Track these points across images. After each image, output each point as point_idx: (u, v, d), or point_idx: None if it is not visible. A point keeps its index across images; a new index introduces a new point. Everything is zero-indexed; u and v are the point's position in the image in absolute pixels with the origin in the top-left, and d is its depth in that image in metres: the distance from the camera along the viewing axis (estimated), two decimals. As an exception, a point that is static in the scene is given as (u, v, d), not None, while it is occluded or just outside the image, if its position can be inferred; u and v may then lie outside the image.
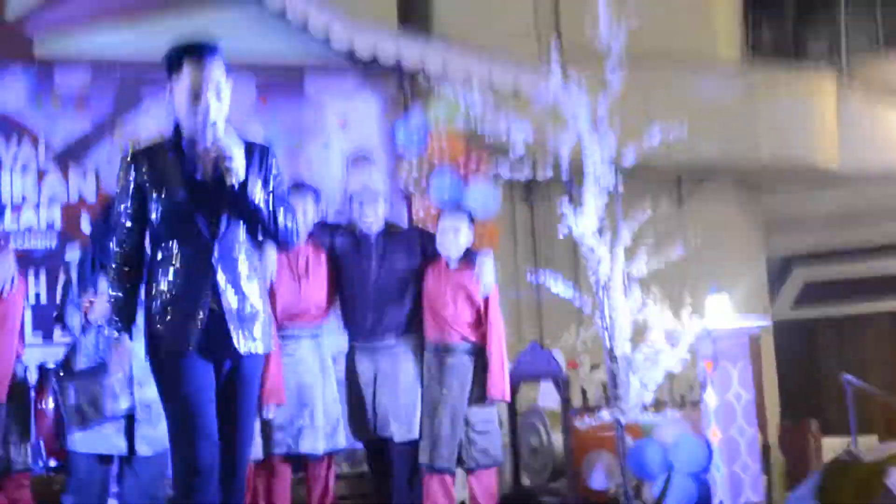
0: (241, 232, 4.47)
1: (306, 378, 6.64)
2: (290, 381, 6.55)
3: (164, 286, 4.43)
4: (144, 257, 4.52)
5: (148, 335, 4.49)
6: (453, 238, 6.80)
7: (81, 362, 6.38)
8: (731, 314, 7.87)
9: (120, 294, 4.52)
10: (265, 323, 4.56)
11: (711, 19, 14.79)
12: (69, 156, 9.57)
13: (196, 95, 4.33)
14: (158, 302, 4.45)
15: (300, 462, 6.80)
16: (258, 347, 4.52)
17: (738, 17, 15.79)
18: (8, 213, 9.38)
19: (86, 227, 9.41)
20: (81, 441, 6.28)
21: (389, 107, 10.49)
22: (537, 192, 13.42)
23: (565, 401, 8.12)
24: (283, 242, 4.58)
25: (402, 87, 10.46)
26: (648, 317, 7.65)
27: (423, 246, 6.90)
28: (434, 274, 6.84)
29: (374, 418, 6.80)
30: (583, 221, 7.38)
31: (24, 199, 9.42)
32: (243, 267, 4.47)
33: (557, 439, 8.26)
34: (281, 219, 4.45)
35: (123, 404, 6.22)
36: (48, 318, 9.05)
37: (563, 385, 8.11)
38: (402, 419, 6.73)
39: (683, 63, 13.42)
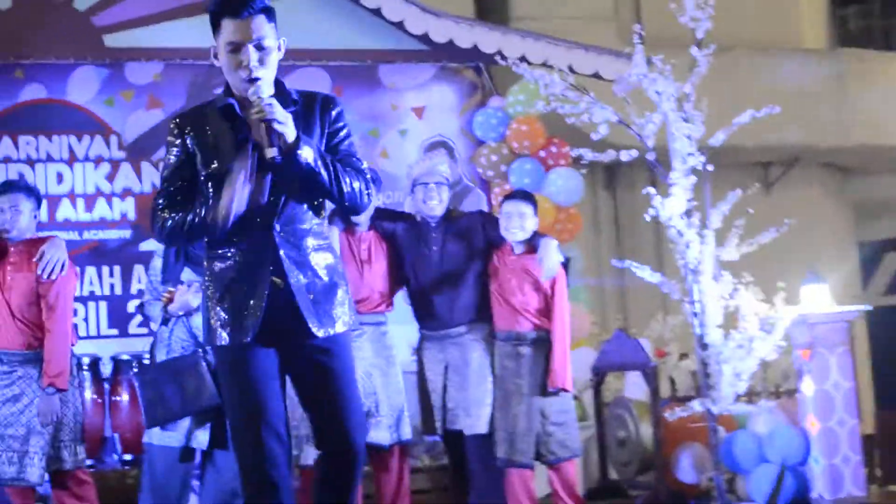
0: (304, 201, 4.09)
1: (368, 367, 6.43)
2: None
3: (220, 266, 4.08)
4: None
5: (206, 323, 4.14)
6: (517, 223, 6.56)
7: (161, 354, 6.20)
8: (827, 300, 7.49)
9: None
10: (344, 298, 4.14)
11: (798, 7, 14.45)
12: (141, 148, 9.42)
13: (236, 48, 4.00)
14: (215, 285, 4.09)
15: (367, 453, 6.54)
16: (338, 326, 4.09)
17: (825, 5, 15.45)
18: (81, 205, 9.21)
19: (159, 218, 9.25)
20: (160, 435, 6.09)
21: (467, 94, 10.23)
22: (620, 179, 13.24)
23: (654, 391, 7.81)
24: (351, 208, 4.11)
25: (480, 74, 10.19)
26: (740, 303, 7.33)
27: (486, 231, 6.68)
28: (500, 260, 6.65)
29: (444, 411, 6.59)
30: (670, 204, 7.06)
31: (97, 190, 9.27)
32: (311, 239, 4.09)
33: (646, 431, 7.95)
34: (346, 181, 4.01)
35: (205, 397, 6.04)
36: (123, 311, 8.98)
37: (651, 375, 7.81)
38: (471, 412, 6.52)
39: (770, 50, 13.10)
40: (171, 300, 6.16)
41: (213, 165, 4.01)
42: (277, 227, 4.01)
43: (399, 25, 9.76)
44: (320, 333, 4.04)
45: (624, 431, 8.17)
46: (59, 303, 6.13)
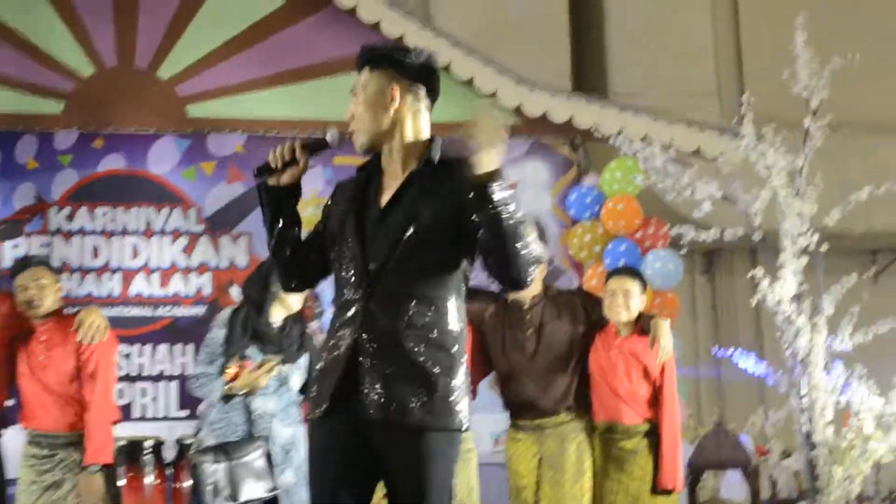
0: (414, 274, 3.53)
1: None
2: None
3: (329, 345, 3.64)
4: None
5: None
6: (622, 301, 5.96)
7: (210, 438, 5.76)
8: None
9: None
10: (444, 394, 3.51)
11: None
12: (221, 221, 9.08)
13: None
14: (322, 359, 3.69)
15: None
16: (423, 421, 3.48)
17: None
18: (156, 279, 8.90)
19: (236, 294, 8.90)
20: None
21: (560, 171, 9.78)
22: (719, 265, 12.68)
23: (755, 492, 7.19)
24: (517, 280, 3.50)
25: (575, 150, 9.74)
26: (853, 398, 6.73)
27: (586, 311, 6.06)
28: (603, 343, 6.02)
29: None
30: (779, 288, 6.50)
31: (173, 264, 8.93)
32: (411, 317, 3.51)
33: (746, 536, 7.33)
34: (523, 242, 3.42)
35: (264, 488, 5.58)
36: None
37: (752, 474, 7.19)
38: None
39: (881, 129, 12.48)
40: (236, 377, 5.71)
41: (331, 227, 3.73)
42: (370, 298, 3.53)
43: (492, 97, 9.36)
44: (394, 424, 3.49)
45: (721, 534, 7.56)
46: (100, 372, 5.73)
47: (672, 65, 12.38)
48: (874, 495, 7.56)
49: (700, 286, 12.61)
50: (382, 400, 3.44)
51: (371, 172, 3.68)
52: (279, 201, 3.71)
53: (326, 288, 5.31)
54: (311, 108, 9.25)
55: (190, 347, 8.75)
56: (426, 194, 3.53)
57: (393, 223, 3.53)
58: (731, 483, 8.05)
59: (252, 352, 5.79)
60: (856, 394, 6.71)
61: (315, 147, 3.70)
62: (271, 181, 3.70)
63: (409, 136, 3.64)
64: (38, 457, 5.73)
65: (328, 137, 3.67)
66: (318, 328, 8.32)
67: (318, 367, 3.71)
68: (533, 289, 5.95)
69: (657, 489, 5.92)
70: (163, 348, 8.81)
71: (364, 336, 3.49)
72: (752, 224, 6.87)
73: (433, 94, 3.73)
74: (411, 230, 3.50)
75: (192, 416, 8.55)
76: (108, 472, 5.76)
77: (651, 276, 9.08)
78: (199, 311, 8.92)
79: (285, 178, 3.69)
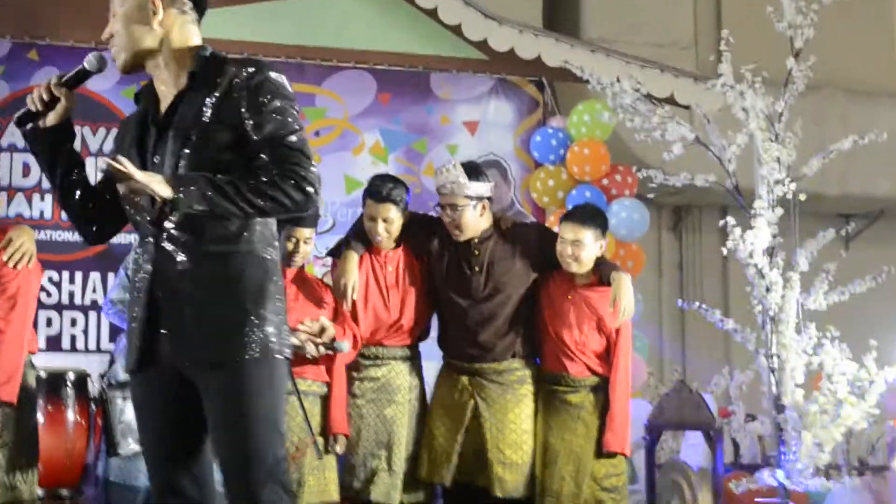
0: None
1: (388, 409, 5.37)
2: (369, 412, 5.30)
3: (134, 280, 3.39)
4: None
5: None
6: (571, 252, 5.41)
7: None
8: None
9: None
10: (240, 324, 3.23)
11: (891, 53, 13.39)
12: (163, 145, 8.54)
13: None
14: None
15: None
16: (214, 355, 3.22)
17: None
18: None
19: (175, 222, 8.38)
20: (118, 469, 5.12)
21: (526, 111, 9.27)
22: (687, 221, 12.28)
23: (717, 456, 6.73)
24: (286, 220, 3.52)
25: (542, 90, 9.23)
26: (825, 360, 6.29)
27: (542, 250, 5.50)
28: (556, 288, 5.51)
29: (465, 461, 5.45)
30: (752, 237, 6.03)
31: (106, 188, 8.38)
32: (199, 244, 3.23)
33: (705, 501, 6.86)
34: (258, 202, 3.16)
35: None
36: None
37: (715, 437, 6.73)
38: (508, 466, 5.39)
39: (862, 92, 12.03)
40: None
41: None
42: (163, 238, 3.26)
43: (456, 30, 8.84)
44: (190, 364, 3.26)
45: (678, 500, 7.08)
46: (19, 300, 5.18)
47: (648, 13, 11.88)
48: (843, 464, 7.10)
49: (667, 242, 12.19)
50: (187, 342, 3.22)
51: (146, 102, 3.42)
52: (52, 146, 3.44)
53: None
54: (261, 30, 8.71)
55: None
56: (197, 108, 3.24)
57: (172, 144, 3.25)
58: (691, 445, 7.62)
59: None
60: (828, 356, 6.26)
61: (74, 80, 3.41)
62: (39, 126, 3.41)
63: (178, 45, 3.36)
64: None
65: (86, 65, 3.33)
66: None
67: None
68: (462, 236, 5.43)
69: (602, 451, 5.45)
70: (95, 276, 8.26)
71: (159, 276, 3.24)
72: (727, 170, 6.38)
73: (199, 7, 3.48)
74: (188, 146, 3.22)
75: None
76: (23, 406, 5.22)
77: (616, 226, 8.60)
78: (135, 237, 8.36)
79: (51, 119, 3.41)
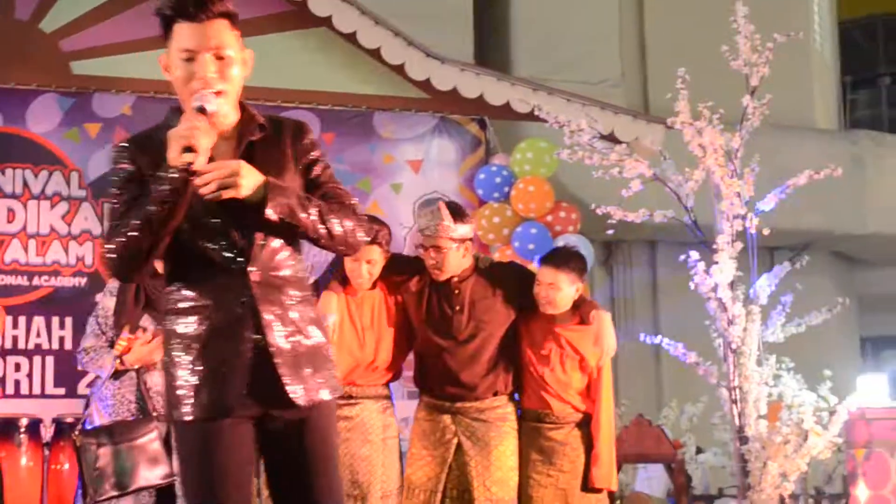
0: (283, 243, 3.26)
1: (362, 449, 5.32)
2: (343, 452, 5.27)
3: (185, 321, 3.22)
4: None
5: (168, 389, 3.24)
6: (546, 294, 5.40)
7: (101, 417, 5.19)
8: (885, 394, 6.55)
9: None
10: (328, 361, 3.32)
11: (811, 88, 13.72)
12: (105, 187, 8.42)
13: (190, 57, 3.18)
14: (183, 346, 3.21)
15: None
16: (324, 393, 3.27)
17: (835, 90, 14.78)
18: (32, 246, 8.20)
19: (121, 267, 8.27)
20: None
21: (469, 149, 9.33)
22: (617, 255, 12.41)
23: (680, 487, 6.81)
24: (344, 251, 3.31)
25: (484, 128, 9.31)
26: (784, 391, 6.40)
27: (521, 288, 5.49)
28: (537, 327, 5.52)
29: (450, 499, 5.43)
30: (718, 273, 6.13)
31: (52, 231, 8.25)
32: (293, 288, 3.26)
33: (666, 534, 6.94)
34: (334, 222, 3.20)
35: (159, 474, 5.04)
36: (72, 367, 7.89)
37: (677, 469, 6.81)
38: (495, 503, 5.38)
39: (787, 129, 12.29)
40: (128, 350, 5.14)
41: None
42: (253, 275, 3.18)
43: (398, 69, 8.88)
44: (302, 402, 3.21)
45: (640, 533, 7.15)
46: None
47: (575, 51, 12.04)
48: (800, 493, 7.21)
49: (598, 276, 12.30)
50: (294, 382, 3.19)
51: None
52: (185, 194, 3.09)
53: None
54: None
55: (69, 320, 8.08)
56: (267, 157, 3.23)
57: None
58: (646, 478, 7.68)
59: (147, 322, 5.25)
60: (787, 387, 6.38)
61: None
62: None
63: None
64: None
65: (207, 106, 3.08)
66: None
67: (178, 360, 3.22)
68: (463, 263, 5.45)
69: (588, 487, 5.48)
70: (39, 320, 8.13)
71: (253, 317, 3.18)
72: (685, 206, 6.47)
73: None
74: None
75: (70, 394, 7.94)
76: None
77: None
78: (80, 281, 8.27)
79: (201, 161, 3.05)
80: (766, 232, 6.23)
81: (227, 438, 3.19)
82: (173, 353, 3.22)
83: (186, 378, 3.18)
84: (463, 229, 5.38)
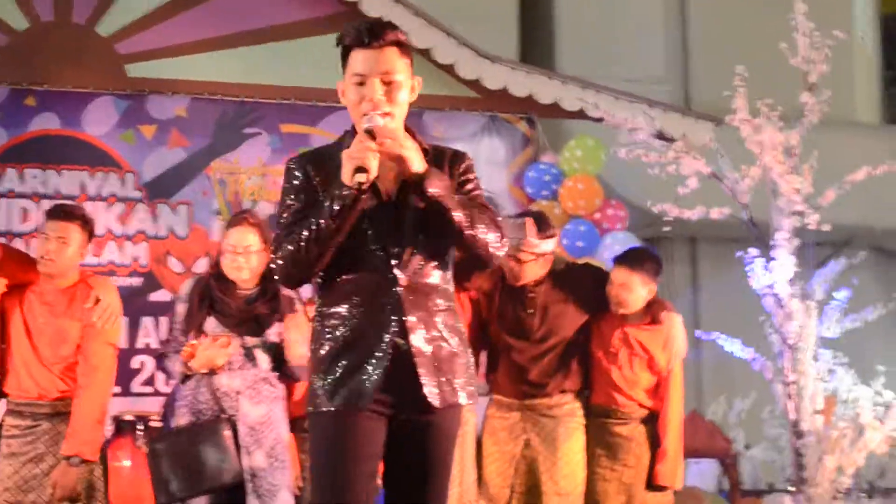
0: (433, 253, 3.47)
1: None
2: None
3: (335, 323, 3.43)
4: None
5: (311, 381, 3.47)
6: (617, 294, 5.50)
7: (177, 419, 5.25)
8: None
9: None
10: (468, 368, 3.52)
11: (853, 82, 13.69)
12: (160, 188, 8.54)
13: (361, 81, 3.41)
14: (329, 342, 3.43)
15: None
16: (462, 397, 3.46)
17: (877, 84, 14.74)
18: (90, 247, 8.27)
19: (174, 265, 8.37)
20: None
21: (518, 148, 9.38)
22: (659, 252, 12.43)
23: (734, 483, 6.86)
24: (483, 260, 3.47)
25: (533, 126, 9.36)
26: (839, 386, 6.45)
27: (595, 289, 5.57)
28: (607, 325, 5.59)
29: (518, 494, 5.52)
30: (779, 269, 6.18)
31: (107, 232, 8.36)
32: (439, 296, 3.48)
33: (723, 528, 6.98)
34: (481, 227, 3.38)
35: (228, 473, 5.10)
36: (127, 366, 8.05)
37: (731, 464, 6.85)
38: (563, 497, 5.42)
39: (829, 124, 12.27)
40: (192, 355, 5.21)
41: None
42: (401, 280, 3.41)
43: (449, 69, 8.94)
44: (438, 404, 3.40)
45: (695, 527, 7.19)
46: (102, 359, 5.17)
47: (619, 48, 12.09)
48: (853, 487, 7.25)
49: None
50: (432, 384, 3.39)
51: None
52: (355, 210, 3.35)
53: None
54: (257, 72, 8.78)
55: (124, 320, 8.13)
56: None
57: (406, 210, 3.42)
58: (696, 473, 7.72)
59: (210, 326, 5.31)
60: (842, 382, 6.43)
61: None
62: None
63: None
64: (19, 427, 5.18)
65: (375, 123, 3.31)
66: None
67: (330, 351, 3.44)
68: (538, 272, 5.51)
69: (653, 484, 5.54)
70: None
71: (398, 319, 3.39)
72: (740, 203, 6.52)
73: None
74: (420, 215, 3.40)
75: (125, 393, 8.01)
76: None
77: (609, 259, 8.71)
78: (135, 281, 8.35)
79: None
80: (826, 228, 6.27)
81: (360, 429, 3.38)
82: (320, 350, 3.44)
83: (328, 372, 3.40)
84: (546, 245, 5.45)
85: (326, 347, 3.42)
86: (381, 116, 3.31)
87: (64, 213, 5.27)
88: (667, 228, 6.76)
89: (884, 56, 14.96)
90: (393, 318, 3.38)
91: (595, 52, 12.00)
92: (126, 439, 7.03)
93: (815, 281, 6.46)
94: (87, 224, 5.29)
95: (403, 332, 3.37)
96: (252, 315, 5.28)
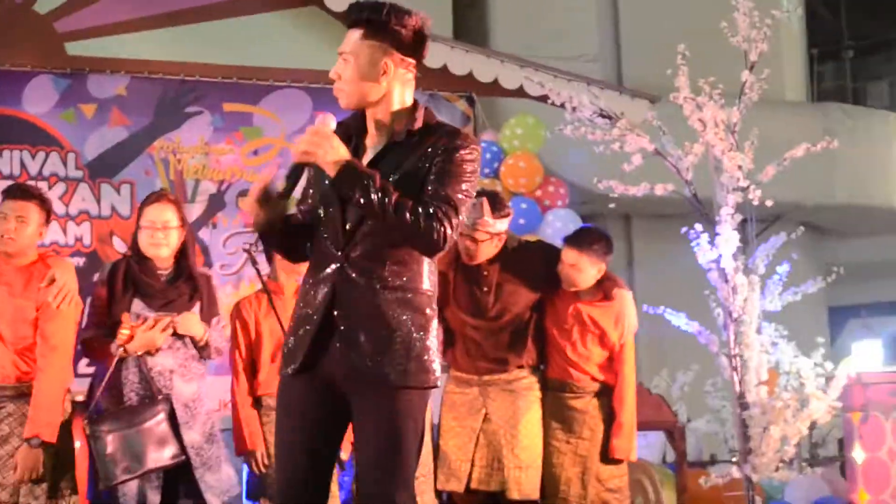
0: (389, 236, 3.57)
1: None
2: None
3: (302, 291, 3.73)
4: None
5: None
6: (567, 274, 5.63)
7: (115, 401, 5.27)
8: (880, 359, 6.77)
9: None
10: (419, 353, 3.59)
11: (780, 60, 13.88)
12: (102, 167, 8.50)
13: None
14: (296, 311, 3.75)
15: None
16: (391, 376, 3.56)
17: (802, 62, 14.99)
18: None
19: (118, 244, 8.35)
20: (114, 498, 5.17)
21: (458, 126, 9.42)
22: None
23: (681, 454, 7.01)
24: (420, 248, 3.58)
25: (472, 105, 9.43)
26: (781, 358, 6.61)
27: (547, 267, 5.68)
28: (560, 301, 5.70)
29: (478, 467, 5.61)
30: (724, 244, 6.32)
31: (50, 212, 8.30)
32: (381, 272, 3.57)
33: (669, 499, 7.12)
34: (399, 214, 3.46)
35: (169, 453, 5.14)
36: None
37: (678, 436, 7.00)
38: (524, 469, 5.54)
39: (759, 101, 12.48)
40: (132, 338, 5.22)
41: (314, 186, 3.79)
42: (347, 259, 3.59)
43: (389, 47, 8.97)
44: (360, 378, 3.57)
45: (641, 499, 7.33)
46: (61, 340, 5.16)
47: (552, 26, 12.18)
48: (796, 456, 7.44)
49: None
50: (358, 359, 3.51)
51: (352, 132, 3.66)
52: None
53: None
54: (199, 51, 8.76)
55: (68, 300, 8.13)
56: (403, 160, 3.56)
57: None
58: (644, 444, 7.87)
59: (137, 307, 5.32)
60: (784, 354, 6.59)
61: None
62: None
63: (396, 105, 3.63)
64: None
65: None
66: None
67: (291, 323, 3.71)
68: (492, 251, 5.59)
69: (610, 457, 5.66)
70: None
71: (339, 296, 3.55)
72: (685, 179, 6.65)
73: (421, 63, 3.74)
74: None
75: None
76: (62, 437, 5.22)
77: (551, 236, 8.83)
78: (79, 261, 8.29)
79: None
80: (768, 203, 6.42)
81: (295, 391, 3.66)
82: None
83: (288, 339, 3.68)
84: (501, 225, 5.53)
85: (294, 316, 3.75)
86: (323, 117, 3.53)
87: (22, 191, 5.26)
88: (612, 205, 6.82)
89: (808, 34, 15.20)
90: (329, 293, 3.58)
91: (529, 29, 12.07)
92: (77, 420, 7.00)
93: (758, 255, 6.58)
94: (44, 203, 5.28)
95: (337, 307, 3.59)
96: (176, 294, 5.35)
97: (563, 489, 5.58)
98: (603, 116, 7.29)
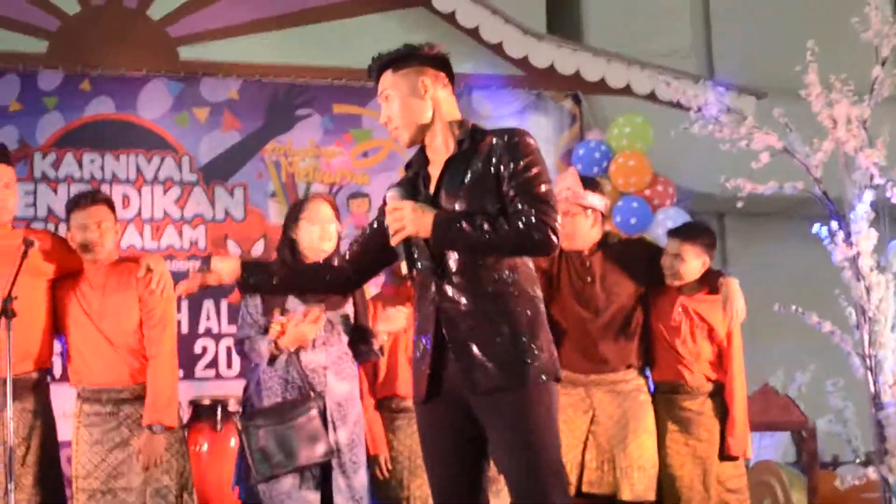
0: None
1: None
2: None
3: (416, 313, 3.86)
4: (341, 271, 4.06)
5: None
6: (670, 264, 5.60)
7: (269, 398, 5.30)
8: None
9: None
10: (520, 352, 3.63)
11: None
12: (215, 171, 8.55)
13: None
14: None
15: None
16: (501, 381, 3.60)
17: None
18: (147, 231, 8.34)
19: (233, 247, 8.40)
20: (269, 495, 5.19)
21: (565, 126, 9.43)
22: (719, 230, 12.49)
23: (812, 455, 6.94)
24: (529, 256, 3.75)
25: (579, 104, 9.40)
26: (914, 356, 6.54)
27: (649, 262, 5.64)
28: (666, 299, 5.66)
29: (589, 470, 5.53)
30: (864, 242, 6.26)
31: (165, 215, 8.39)
32: (476, 281, 3.66)
33: (800, 500, 7.05)
34: (499, 243, 3.59)
35: (321, 450, 5.16)
36: (189, 351, 8.11)
37: (808, 437, 6.94)
38: (638, 470, 5.47)
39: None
40: (283, 332, 5.25)
41: None
42: (443, 274, 3.71)
43: (496, 48, 8.98)
44: (479, 391, 3.63)
45: (770, 500, 7.27)
46: (167, 325, 5.24)
47: (645, 23, 12.09)
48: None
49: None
50: (475, 373, 3.59)
51: (418, 167, 3.86)
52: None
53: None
54: (308, 53, 8.80)
55: (184, 304, 8.20)
56: (465, 168, 3.69)
57: (445, 202, 3.71)
58: (767, 446, 7.81)
59: (292, 303, 5.36)
60: (920, 352, 6.53)
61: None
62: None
63: (447, 117, 3.81)
64: (100, 414, 5.22)
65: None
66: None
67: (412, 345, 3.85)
68: (592, 234, 5.56)
69: (724, 454, 5.62)
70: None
71: (443, 314, 3.65)
72: (814, 177, 6.59)
73: (452, 81, 3.91)
74: (458, 204, 3.66)
75: (187, 377, 8.00)
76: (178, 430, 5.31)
77: (662, 236, 8.79)
78: (194, 265, 8.37)
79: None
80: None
81: (428, 418, 3.81)
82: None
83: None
84: (593, 198, 5.50)
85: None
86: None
87: (90, 199, 5.38)
88: (739, 205, 6.77)
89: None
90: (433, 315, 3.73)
91: (623, 26, 11.98)
92: (203, 423, 7.04)
93: (891, 253, 6.51)
94: (109, 201, 5.44)
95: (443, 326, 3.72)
96: None
97: (686, 493, 5.53)
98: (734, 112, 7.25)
